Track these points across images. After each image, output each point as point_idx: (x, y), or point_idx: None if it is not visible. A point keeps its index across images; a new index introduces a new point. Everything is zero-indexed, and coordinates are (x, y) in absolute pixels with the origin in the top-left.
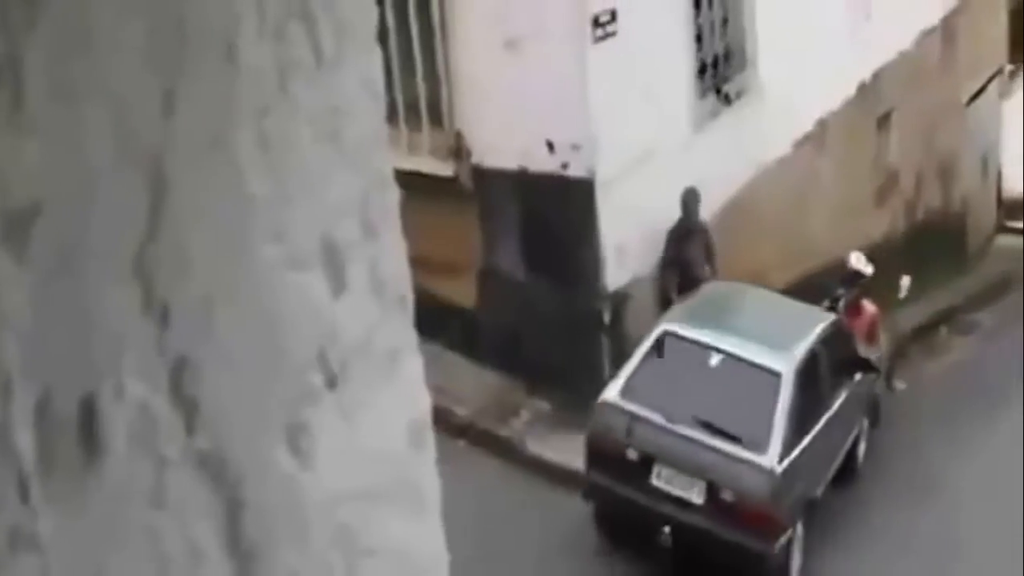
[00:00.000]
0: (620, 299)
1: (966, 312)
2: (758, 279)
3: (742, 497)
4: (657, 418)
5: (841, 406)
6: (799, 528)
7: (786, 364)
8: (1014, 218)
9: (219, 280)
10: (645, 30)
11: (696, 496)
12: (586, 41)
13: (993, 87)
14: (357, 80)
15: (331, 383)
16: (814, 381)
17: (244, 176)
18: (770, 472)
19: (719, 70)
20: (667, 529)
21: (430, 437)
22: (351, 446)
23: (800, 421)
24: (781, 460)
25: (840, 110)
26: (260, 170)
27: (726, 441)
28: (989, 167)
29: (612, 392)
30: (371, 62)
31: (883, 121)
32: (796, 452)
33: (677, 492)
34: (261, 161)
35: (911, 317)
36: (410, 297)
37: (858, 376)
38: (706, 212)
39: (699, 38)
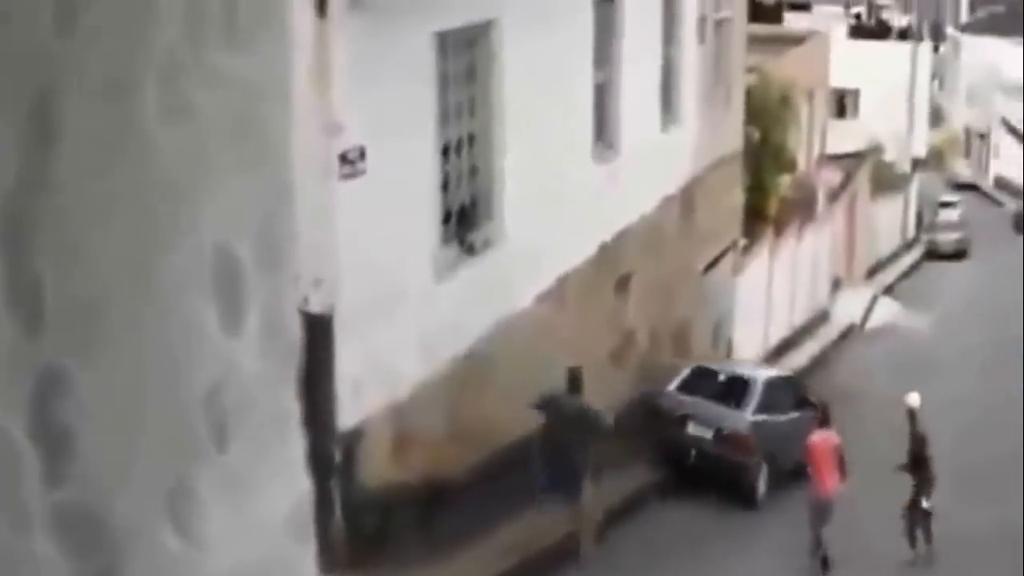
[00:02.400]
0: (353, 438)
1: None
2: (493, 431)
3: (733, 431)
4: (692, 397)
5: (791, 421)
6: (764, 468)
7: (759, 377)
8: None
9: (109, 281)
10: (393, 172)
11: (709, 435)
12: (332, 177)
13: (728, 259)
14: (268, 72)
15: (219, 441)
16: (773, 391)
17: (146, 150)
18: (747, 420)
19: (465, 219)
20: (693, 452)
21: (310, 526)
22: (235, 524)
23: (765, 406)
24: (753, 415)
25: (581, 268)
26: (163, 147)
27: (726, 406)
28: (721, 335)
29: (671, 386)
30: (283, 59)
31: (622, 282)
32: (762, 417)
33: (699, 433)
34: (165, 138)
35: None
36: (298, 358)
37: (802, 412)
38: (444, 360)
39: (446, 185)
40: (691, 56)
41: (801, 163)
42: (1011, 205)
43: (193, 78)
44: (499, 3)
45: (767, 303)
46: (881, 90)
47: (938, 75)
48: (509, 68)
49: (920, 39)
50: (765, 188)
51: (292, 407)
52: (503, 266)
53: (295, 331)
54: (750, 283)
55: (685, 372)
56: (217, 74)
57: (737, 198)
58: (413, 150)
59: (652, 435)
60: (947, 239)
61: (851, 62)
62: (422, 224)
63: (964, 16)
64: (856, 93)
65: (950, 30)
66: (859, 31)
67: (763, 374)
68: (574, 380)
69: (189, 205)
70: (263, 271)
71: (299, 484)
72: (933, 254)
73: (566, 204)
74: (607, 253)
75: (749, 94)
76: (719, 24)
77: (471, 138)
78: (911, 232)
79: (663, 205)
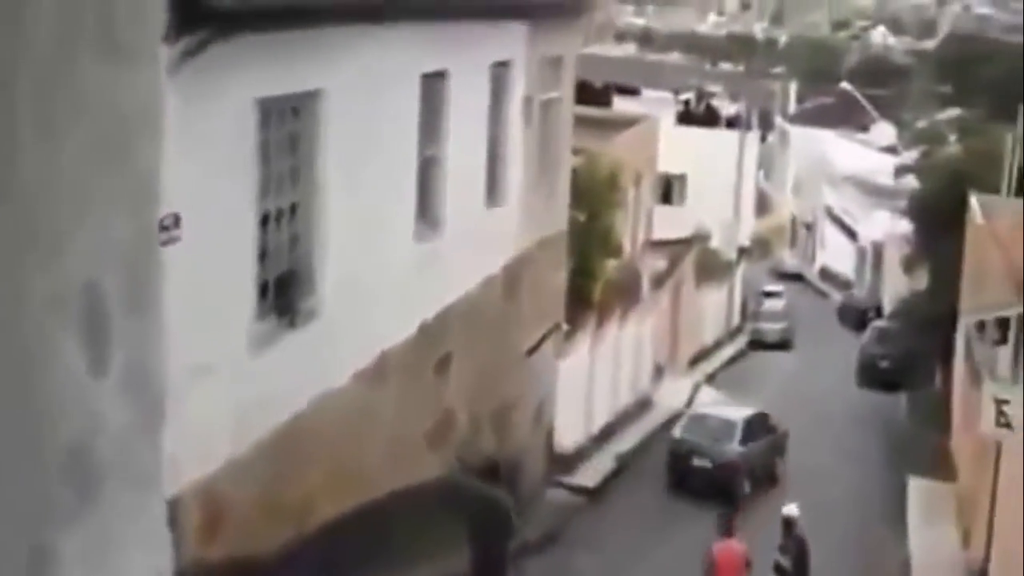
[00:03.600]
0: (171, 508)
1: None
2: (306, 509)
3: (727, 461)
4: (694, 437)
5: (763, 447)
6: (747, 480)
7: (739, 417)
8: (563, 473)
9: None
10: (210, 240)
11: (709, 465)
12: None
13: (551, 342)
14: (139, 100)
15: (83, 498)
16: (750, 426)
17: (17, 158)
18: (736, 451)
19: (284, 291)
20: (698, 479)
21: None
22: None
23: (746, 438)
24: (739, 447)
25: (402, 346)
26: (36, 161)
27: (719, 441)
28: (543, 418)
29: (676, 432)
30: (155, 89)
31: (443, 362)
32: (745, 447)
33: (702, 464)
34: (36, 152)
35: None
36: (164, 413)
37: (770, 435)
38: (259, 435)
39: (264, 256)
40: (518, 135)
41: (626, 248)
42: (836, 296)
43: (64, 103)
44: (326, 72)
45: (589, 387)
46: (708, 177)
47: (765, 164)
48: (333, 139)
49: (748, 128)
50: (589, 272)
51: (156, 465)
52: (322, 341)
53: (161, 380)
54: (573, 367)
55: (685, 418)
56: (88, 99)
57: (561, 280)
58: (231, 218)
59: (669, 468)
60: (771, 329)
61: (679, 148)
62: (239, 295)
63: (792, 106)
64: (683, 179)
65: (778, 120)
66: (688, 118)
67: (742, 414)
68: (491, 471)
69: (56, 236)
70: (130, 312)
71: (161, 547)
72: (757, 343)
73: (388, 280)
74: (428, 331)
75: (576, 175)
76: (547, 104)
77: (293, 208)
78: (735, 321)
79: (486, 285)
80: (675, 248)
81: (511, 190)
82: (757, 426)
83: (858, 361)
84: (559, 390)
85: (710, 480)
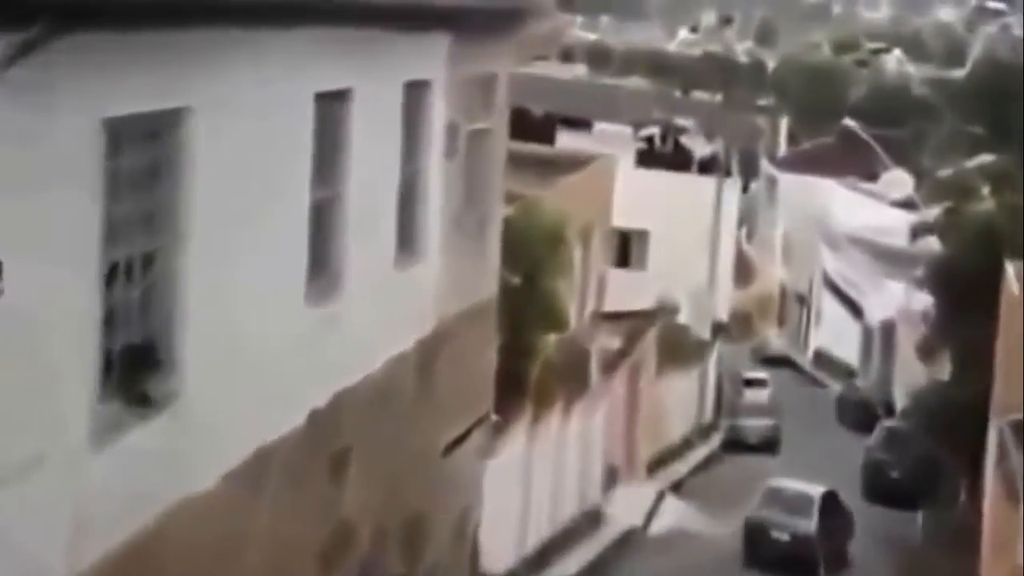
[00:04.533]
0: None
1: None
2: None
3: (804, 535)
4: (770, 510)
5: (837, 525)
6: (822, 552)
7: (816, 493)
8: None
9: None
10: (41, 297)
11: (786, 538)
12: None
13: (476, 437)
14: None
15: None
16: (826, 503)
17: None
18: (812, 526)
19: (135, 366)
20: (776, 552)
21: None
22: None
23: (822, 515)
24: (815, 521)
25: (286, 440)
26: None
27: (795, 515)
28: (465, 533)
29: (753, 506)
30: None
31: (339, 461)
32: (819, 521)
33: (779, 537)
34: None
35: None
36: None
37: (842, 516)
38: (99, 550)
39: (110, 320)
40: (438, 174)
41: (572, 320)
42: (835, 387)
43: None
44: (194, 87)
45: (524, 495)
46: (676, 234)
47: (748, 220)
48: (202, 172)
49: (727, 173)
50: (526, 349)
51: None
52: (182, 431)
53: None
54: (503, 469)
55: (761, 493)
56: None
57: (490, 360)
58: (68, 270)
59: (745, 541)
60: (753, 426)
61: (639, 197)
62: (77, 369)
63: (783, 148)
64: (644, 236)
65: (765, 164)
66: (651, 159)
67: (818, 491)
68: None
69: None
70: None
71: None
72: (736, 444)
73: (269, 354)
74: (320, 422)
75: (509, 228)
76: (474, 136)
77: (147, 260)
78: (708, 415)
79: (395, 364)
80: (633, 322)
81: (428, 243)
82: (831, 503)
83: (863, 470)
84: (486, 498)
85: (787, 554)
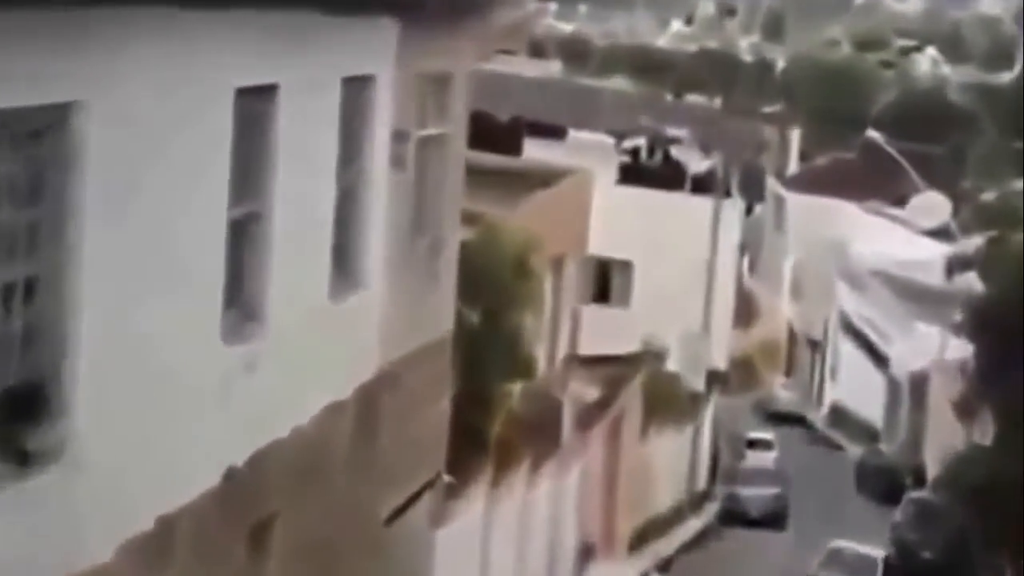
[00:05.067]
0: None
1: None
2: None
3: None
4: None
5: None
6: None
7: (879, 556)
8: None
9: None
10: None
11: None
12: None
13: (425, 503)
14: None
15: None
16: (888, 567)
17: None
18: None
19: (13, 414)
20: None
21: None
22: None
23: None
24: None
25: (197, 505)
26: None
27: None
28: None
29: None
30: None
31: (261, 529)
32: None
33: None
34: None
35: None
36: None
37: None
38: None
39: None
40: (382, 188)
41: (540, 365)
42: (854, 451)
43: None
44: (86, 77)
45: (482, 573)
46: (665, 266)
47: (752, 249)
48: (95, 179)
49: (726, 194)
50: (485, 399)
51: None
52: (71, 493)
53: None
54: (457, 541)
55: (822, 555)
56: None
57: (443, 411)
58: None
59: None
60: (757, 496)
61: (622, 221)
62: None
63: (794, 164)
64: (628, 268)
65: (772, 183)
66: (636, 175)
67: (879, 554)
68: None
69: None
70: None
71: None
72: (735, 516)
73: (178, 401)
74: (238, 483)
75: (467, 255)
76: (427, 144)
77: (29, 286)
78: (702, 482)
79: (330, 414)
80: (614, 369)
81: (370, 270)
82: (892, 570)
83: (889, 550)
84: (436, 575)
85: None
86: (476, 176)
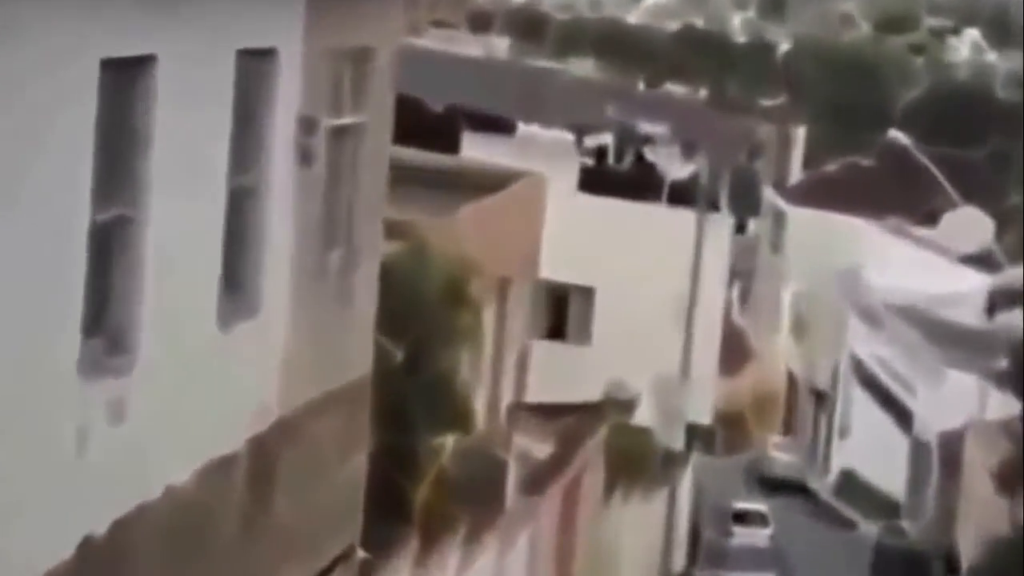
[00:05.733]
0: None
1: None
2: None
3: None
4: None
5: None
6: None
7: None
8: None
9: None
10: None
11: None
12: None
13: None
14: None
15: None
16: None
17: None
18: None
19: None
20: None
21: None
22: None
23: None
24: None
25: None
26: None
27: None
28: None
29: None
30: None
31: None
32: None
33: None
34: None
35: None
36: None
37: None
38: None
39: None
40: (284, 190)
41: (479, 415)
42: (870, 529)
43: None
44: None
45: None
46: (635, 295)
47: (743, 276)
48: None
49: (712, 206)
50: (410, 456)
51: None
52: None
53: None
54: None
55: None
56: None
57: (357, 470)
58: None
59: None
60: None
61: (583, 237)
62: None
63: (797, 170)
64: (588, 295)
65: (769, 194)
66: (601, 181)
67: None
68: None
69: None
70: None
71: None
72: None
73: (25, 454)
74: (97, 557)
75: (391, 276)
76: (341, 135)
77: None
78: (678, 564)
79: (215, 472)
80: (570, 421)
81: (269, 293)
82: None
83: None
84: None
85: None
86: (403, 177)
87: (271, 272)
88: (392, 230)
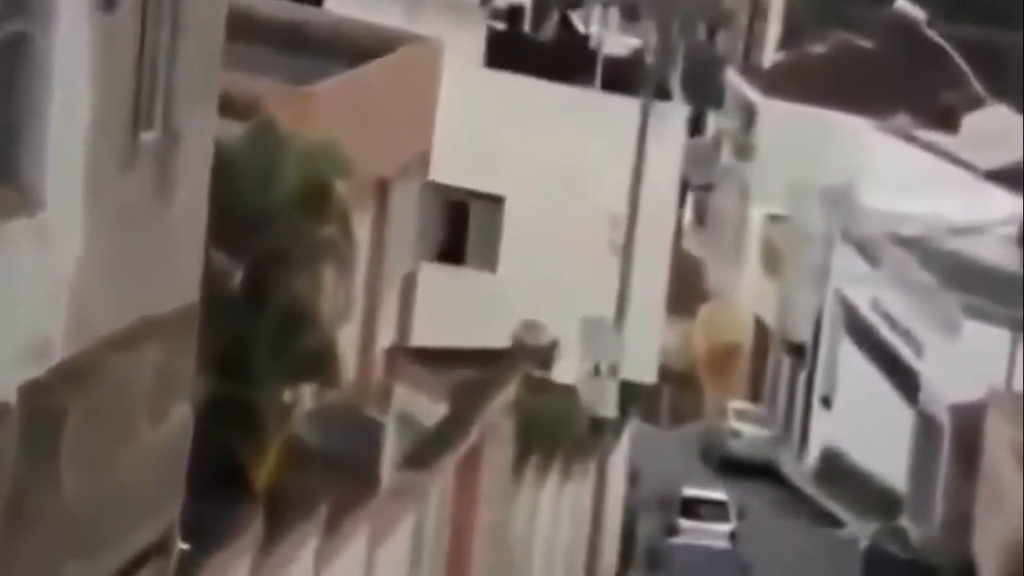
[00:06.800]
0: None
1: None
2: None
3: None
4: None
5: None
6: None
7: None
8: None
9: None
10: None
11: None
12: None
13: None
14: None
15: None
16: None
17: None
18: None
19: None
20: None
21: None
22: None
23: None
24: None
25: None
26: None
27: None
28: None
29: None
30: None
31: None
32: None
33: None
34: None
35: None
36: None
37: None
38: None
39: None
40: (79, 45)
41: (346, 360)
42: (858, 527)
43: None
44: None
45: None
46: (556, 207)
47: (699, 189)
48: None
49: (661, 93)
50: (251, 413)
51: None
52: None
53: None
54: None
55: None
56: None
57: (177, 430)
58: None
59: None
60: None
61: (490, 127)
62: None
63: (771, 50)
64: (496, 207)
65: (734, 79)
66: (513, 52)
67: None
68: None
69: None
70: None
71: None
72: None
73: None
74: None
75: (227, 168)
76: None
77: None
78: (609, 564)
79: None
80: (469, 372)
81: (55, 183)
82: None
83: None
84: None
85: None
86: (246, 33)
87: (58, 156)
88: (229, 105)
